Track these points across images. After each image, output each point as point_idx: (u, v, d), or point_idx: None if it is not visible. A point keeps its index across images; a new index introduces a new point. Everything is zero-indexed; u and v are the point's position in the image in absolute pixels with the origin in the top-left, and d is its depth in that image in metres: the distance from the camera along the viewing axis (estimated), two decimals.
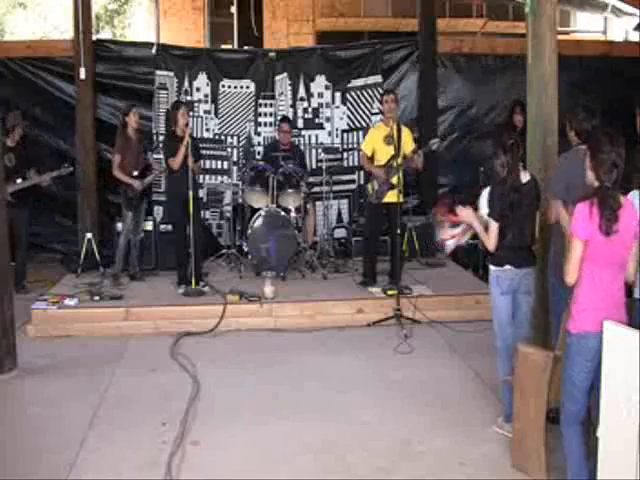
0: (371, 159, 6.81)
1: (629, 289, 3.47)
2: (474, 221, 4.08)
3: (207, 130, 8.79)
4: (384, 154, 6.66)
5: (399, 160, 6.40)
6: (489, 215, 3.98)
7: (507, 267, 4.04)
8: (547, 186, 4.32)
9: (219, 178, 8.79)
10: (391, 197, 6.56)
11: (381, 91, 8.66)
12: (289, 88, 8.85)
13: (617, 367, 2.99)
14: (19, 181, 7.00)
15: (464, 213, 4.11)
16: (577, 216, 3.15)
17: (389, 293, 6.47)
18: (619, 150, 3.13)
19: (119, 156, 7.10)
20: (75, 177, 8.07)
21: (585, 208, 3.12)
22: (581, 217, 3.13)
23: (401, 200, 6.52)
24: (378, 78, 8.95)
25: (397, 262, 6.54)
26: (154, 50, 8.69)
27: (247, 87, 8.85)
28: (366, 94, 8.94)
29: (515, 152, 3.96)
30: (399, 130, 6.46)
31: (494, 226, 3.97)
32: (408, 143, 6.69)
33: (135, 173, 7.08)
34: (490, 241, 4.00)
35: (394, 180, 6.52)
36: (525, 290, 4.10)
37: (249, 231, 7.25)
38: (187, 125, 6.74)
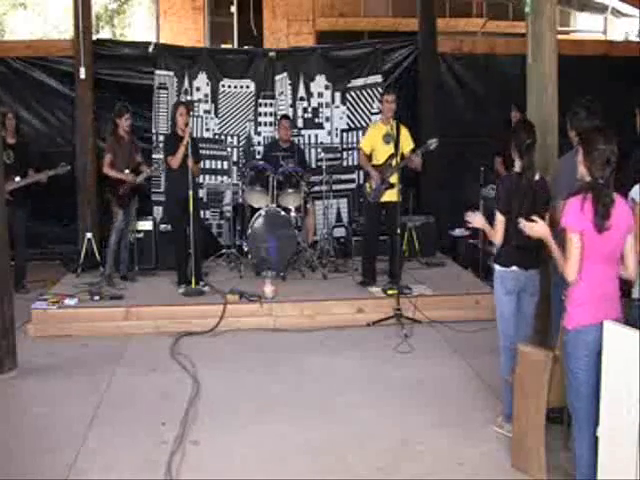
0: (370, 158, 6.81)
1: (627, 289, 3.48)
2: (484, 225, 4.08)
3: (207, 130, 8.79)
4: (383, 153, 6.68)
5: (397, 159, 6.42)
6: (496, 208, 3.97)
7: (513, 268, 4.02)
8: (551, 187, 4.31)
9: (219, 178, 8.79)
10: (389, 196, 6.58)
11: (381, 91, 8.71)
12: (289, 88, 8.85)
13: (617, 367, 2.99)
14: (17, 179, 6.98)
15: (475, 219, 4.10)
16: (569, 210, 3.16)
17: (389, 293, 6.47)
18: (612, 147, 3.14)
19: (110, 155, 7.11)
20: (75, 176, 8.07)
21: (577, 202, 3.14)
22: (572, 211, 3.14)
23: (397, 200, 6.49)
24: (378, 78, 8.95)
25: (397, 262, 6.53)
26: (151, 49, 8.69)
27: (247, 87, 8.85)
28: (366, 94, 8.94)
29: (532, 152, 3.97)
30: (398, 129, 6.47)
31: (500, 220, 3.96)
32: (406, 142, 6.69)
33: (127, 171, 7.08)
34: (497, 234, 3.97)
35: (393, 179, 6.53)
36: (531, 291, 4.08)
37: (249, 231, 7.25)
38: (187, 125, 6.74)
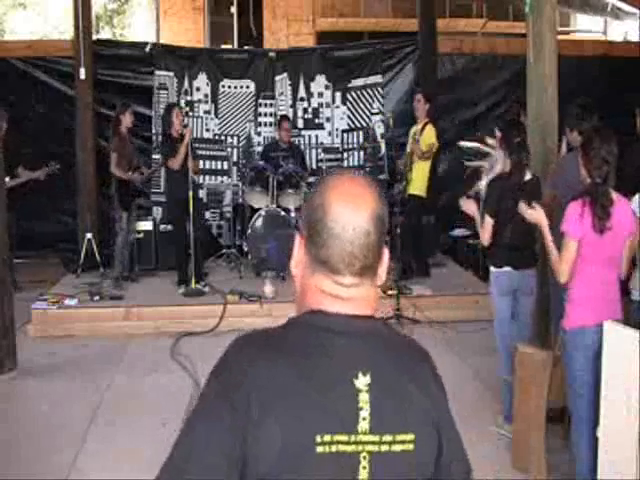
0: None
1: (627, 289, 3.48)
2: (475, 214, 4.09)
3: (207, 130, 8.79)
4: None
5: (410, 158, 6.82)
6: (485, 210, 3.97)
7: (506, 269, 4.02)
8: (551, 187, 4.31)
9: (219, 178, 8.79)
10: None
11: (381, 91, 8.78)
12: (289, 88, 8.85)
13: (617, 367, 2.99)
14: (7, 179, 6.92)
15: (468, 205, 4.11)
16: (569, 216, 3.15)
17: (389, 293, 6.47)
18: (609, 147, 3.13)
19: (117, 154, 7.07)
20: (75, 176, 8.07)
21: (577, 207, 3.12)
22: (572, 217, 3.13)
23: (414, 193, 6.93)
24: (378, 78, 8.95)
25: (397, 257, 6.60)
26: (147, 49, 8.69)
27: (247, 87, 8.85)
28: (366, 94, 8.94)
29: (521, 150, 3.97)
30: (423, 128, 6.82)
31: (489, 222, 3.95)
32: (422, 142, 6.86)
33: (130, 173, 7.08)
34: (484, 236, 3.98)
35: (409, 175, 6.89)
36: (526, 291, 4.07)
37: (249, 231, 7.25)
38: (186, 126, 6.73)
